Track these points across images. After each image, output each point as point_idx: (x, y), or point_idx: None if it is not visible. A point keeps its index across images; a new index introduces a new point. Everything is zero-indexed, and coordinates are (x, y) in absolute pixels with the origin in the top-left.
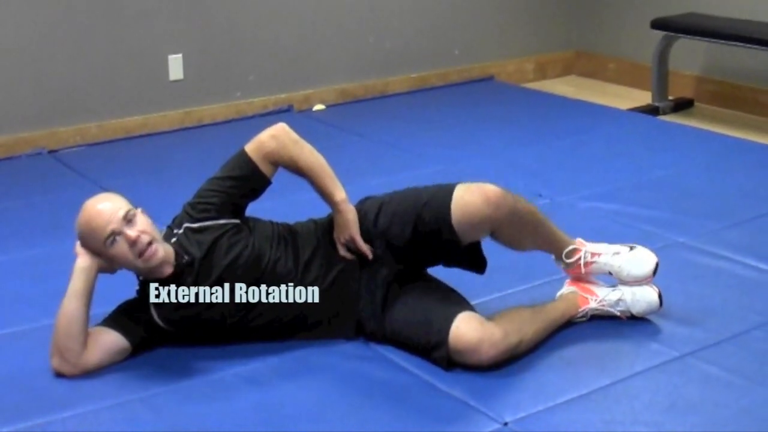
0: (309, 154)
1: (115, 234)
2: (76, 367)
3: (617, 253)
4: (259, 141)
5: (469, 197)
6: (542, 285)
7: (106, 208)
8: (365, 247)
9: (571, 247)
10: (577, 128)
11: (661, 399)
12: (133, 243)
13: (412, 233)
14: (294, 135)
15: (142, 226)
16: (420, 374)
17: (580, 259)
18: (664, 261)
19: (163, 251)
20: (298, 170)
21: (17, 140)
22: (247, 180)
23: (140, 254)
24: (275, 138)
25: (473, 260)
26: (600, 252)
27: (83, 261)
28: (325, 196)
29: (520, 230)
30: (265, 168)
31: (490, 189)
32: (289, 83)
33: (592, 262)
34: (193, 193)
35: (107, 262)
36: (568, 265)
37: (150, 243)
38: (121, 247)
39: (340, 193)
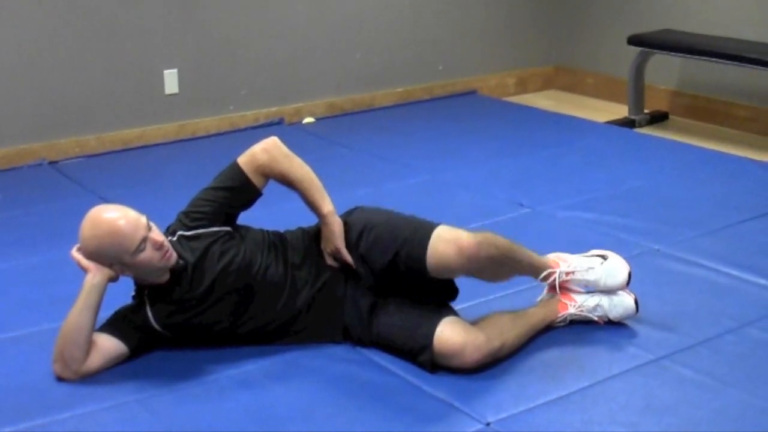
0: (299, 168)
1: (144, 240)
2: (77, 373)
3: (591, 268)
4: (251, 154)
5: (444, 249)
6: (523, 291)
7: (127, 218)
8: (350, 258)
9: (546, 272)
10: (556, 140)
11: (638, 400)
12: (160, 246)
13: (389, 264)
14: (285, 149)
15: (157, 230)
16: (405, 376)
17: (555, 279)
18: (641, 268)
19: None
20: (288, 183)
21: (19, 152)
22: (239, 191)
23: (163, 256)
24: (267, 151)
25: (446, 290)
26: (573, 270)
27: (95, 276)
28: (313, 208)
29: (496, 271)
30: (256, 180)
31: (464, 242)
32: (280, 97)
33: (567, 281)
34: (187, 203)
35: (118, 272)
36: (546, 284)
37: (169, 245)
38: (147, 253)
39: (327, 206)
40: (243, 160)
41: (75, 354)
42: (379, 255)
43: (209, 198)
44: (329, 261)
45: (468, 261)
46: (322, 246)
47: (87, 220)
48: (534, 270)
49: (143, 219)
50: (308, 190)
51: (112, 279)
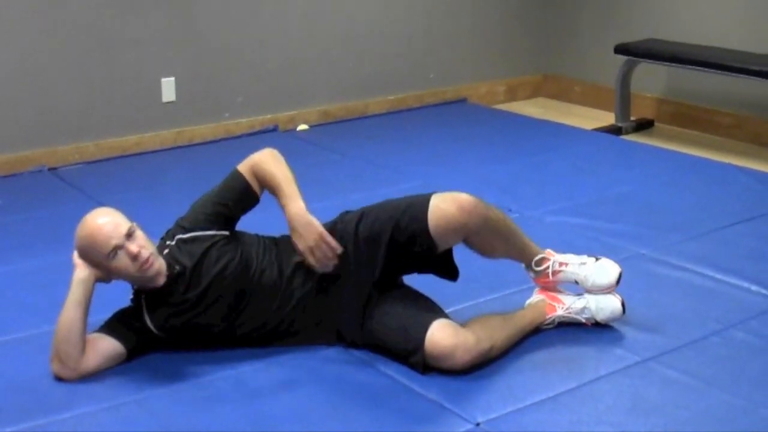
0: (283, 168)
1: (117, 248)
2: (75, 371)
3: (583, 263)
4: (251, 159)
5: (445, 206)
6: (513, 294)
7: (108, 224)
8: (334, 242)
9: (540, 256)
10: (544, 147)
11: (624, 401)
12: (135, 257)
13: (390, 239)
14: (279, 155)
15: (141, 240)
16: (397, 377)
17: (548, 267)
18: (627, 271)
19: (158, 263)
20: (269, 181)
21: (19, 158)
22: (238, 196)
23: (140, 267)
24: (261, 153)
25: (446, 268)
26: (567, 262)
27: (81, 272)
28: (280, 203)
29: (493, 237)
30: (255, 186)
31: (464, 198)
32: (274, 105)
33: (559, 271)
34: (184, 208)
35: (105, 273)
36: (537, 273)
37: (149, 256)
38: (122, 260)
39: (292, 202)
40: (242, 166)
41: (69, 351)
42: (379, 229)
43: (209, 201)
44: (310, 260)
45: (468, 216)
46: (294, 242)
47: (82, 219)
48: (528, 251)
49: (123, 228)
50: (279, 186)
51: (102, 279)
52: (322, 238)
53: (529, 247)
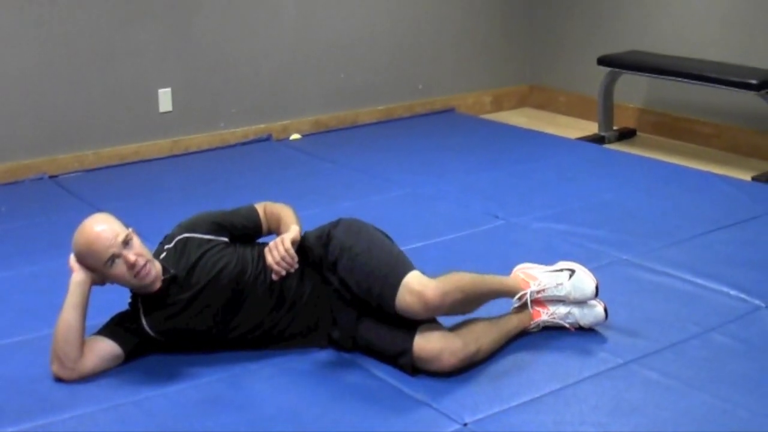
0: (292, 212)
1: (115, 257)
2: (73, 372)
3: (560, 284)
4: (266, 202)
5: (410, 299)
6: (499, 298)
7: (106, 231)
8: (293, 254)
9: (516, 297)
10: (530, 156)
11: (607, 402)
12: (132, 265)
13: (362, 295)
14: (292, 208)
15: (138, 248)
16: (387, 379)
17: (527, 301)
18: (610, 277)
19: (155, 270)
20: (276, 219)
21: (20, 166)
22: (245, 221)
23: (137, 274)
24: (276, 203)
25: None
26: (543, 288)
27: (78, 276)
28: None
29: (464, 309)
30: (263, 221)
31: (429, 296)
32: (268, 114)
33: (538, 299)
34: (180, 215)
35: (101, 278)
36: (519, 304)
37: (145, 264)
38: (119, 268)
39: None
40: (257, 204)
41: (67, 351)
42: (353, 284)
43: (216, 214)
44: (269, 258)
45: (433, 312)
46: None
47: (80, 225)
48: (505, 294)
49: (120, 237)
50: (284, 221)
51: (97, 282)
52: (282, 241)
53: (504, 292)
